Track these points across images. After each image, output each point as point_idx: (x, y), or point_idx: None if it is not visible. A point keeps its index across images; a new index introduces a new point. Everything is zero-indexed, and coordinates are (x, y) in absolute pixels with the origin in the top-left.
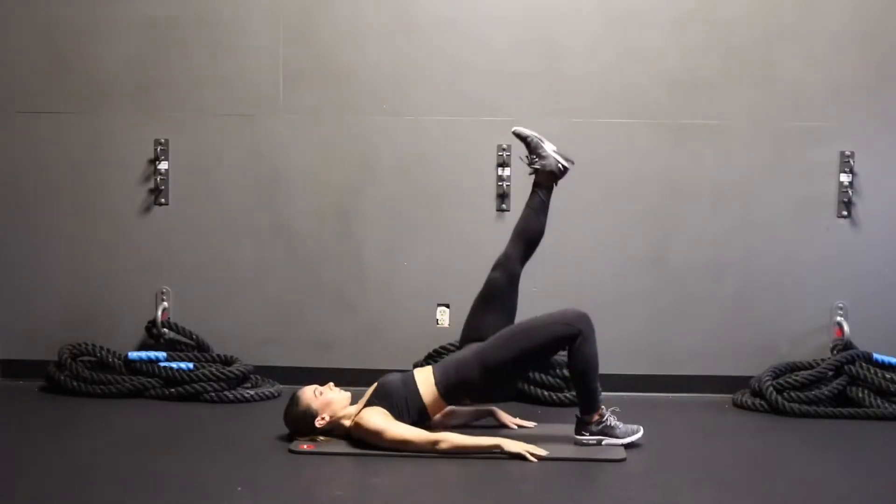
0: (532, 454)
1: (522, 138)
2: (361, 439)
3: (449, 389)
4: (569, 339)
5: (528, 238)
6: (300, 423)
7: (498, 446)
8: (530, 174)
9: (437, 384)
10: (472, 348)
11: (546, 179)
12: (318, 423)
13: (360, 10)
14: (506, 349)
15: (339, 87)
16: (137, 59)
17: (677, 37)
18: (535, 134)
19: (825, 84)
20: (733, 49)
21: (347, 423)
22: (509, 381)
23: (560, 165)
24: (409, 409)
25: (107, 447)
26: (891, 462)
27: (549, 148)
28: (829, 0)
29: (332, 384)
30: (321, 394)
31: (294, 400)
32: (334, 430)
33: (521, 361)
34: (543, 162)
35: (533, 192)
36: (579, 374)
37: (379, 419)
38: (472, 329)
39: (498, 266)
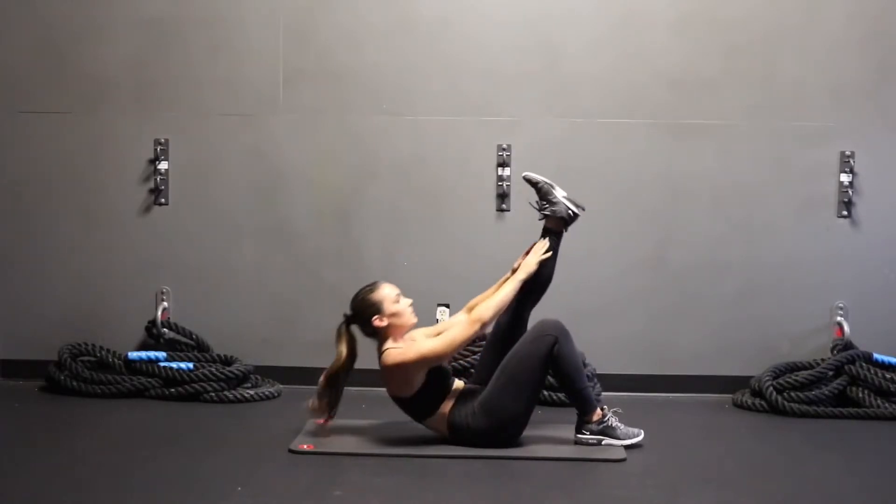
0: (541, 255)
1: (533, 184)
2: (398, 369)
3: (458, 429)
4: (551, 348)
5: (538, 282)
6: (363, 309)
7: (523, 279)
8: (540, 219)
9: (449, 415)
10: (479, 398)
11: (556, 225)
12: (376, 321)
13: (360, 10)
14: (508, 397)
15: (339, 87)
16: (137, 59)
17: (677, 37)
18: (546, 179)
19: (825, 84)
20: (733, 49)
21: (388, 342)
22: (521, 416)
23: (570, 212)
24: (436, 389)
25: (107, 447)
26: (891, 462)
27: (559, 194)
28: (829, 0)
29: (412, 301)
30: (398, 302)
31: (373, 287)
32: (378, 336)
33: (526, 394)
34: (554, 208)
35: (543, 237)
36: (564, 376)
37: (416, 348)
38: (484, 372)
39: (507, 310)
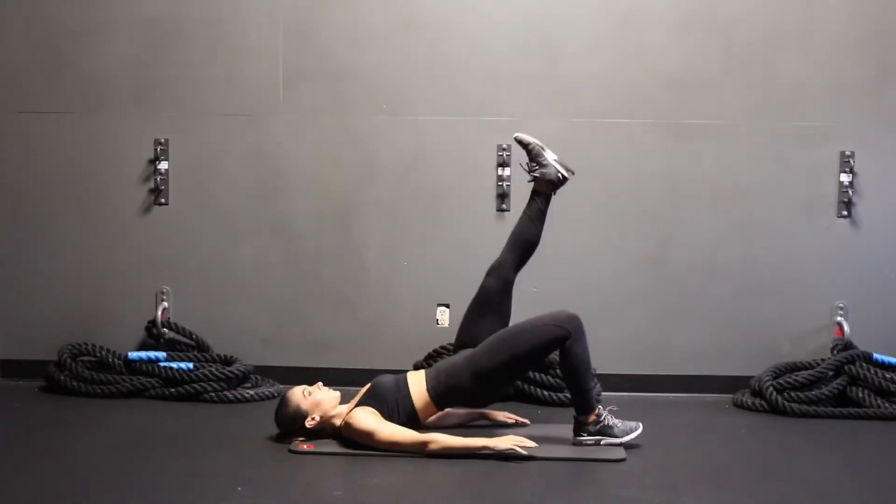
0: (521, 446)
1: (524, 145)
2: (351, 439)
3: (440, 395)
4: (559, 341)
5: (523, 245)
6: (291, 424)
7: (486, 447)
8: (529, 181)
9: (428, 389)
10: (464, 354)
11: (545, 188)
12: (309, 423)
13: (360, 10)
14: (496, 354)
15: (339, 87)
16: (137, 59)
17: (678, 37)
18: (538, 141)
19: (825, 84)
20: (733, 49)
21: (338, 422)
22: (501, 385)
23: (560, 175)
24: (400, 411)
25: (107, 447)
26: (891, 462)
27: (550, 156)
28: (829, 0)
29: (320, 384)
30: (310, 394)
31: (283, 401)
32: (325, 429)
33: (512, 366)
34: (544, 170)
35: (531, 199)
36: (571, 375)
37: (370, 419)
38: (466, 334)
39: (492, 271)
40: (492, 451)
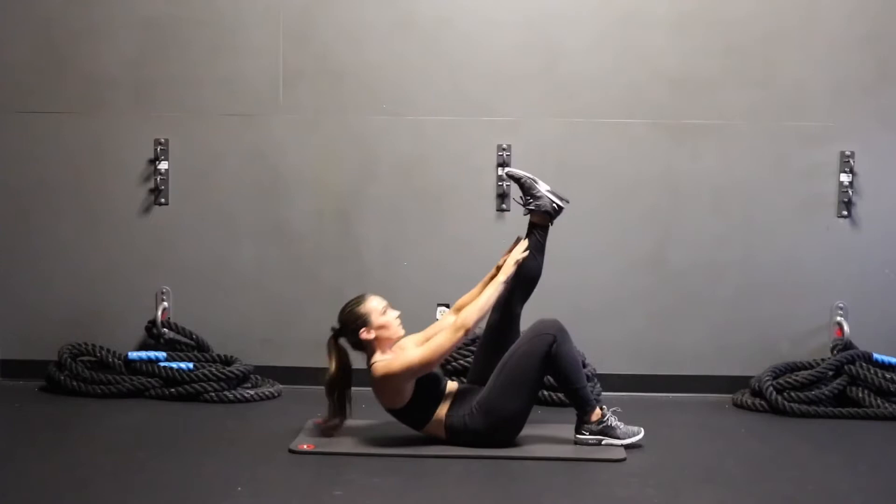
0: (518, 254)
1: (516, 179)
2: (387, 380)
3: (456, 431)
4: (549, 347)
5: (525, 278)
6: (351, 321)
7: (503, 281)
8: (525, 215)
9: (446, 418)
10: (477, 400)
11: (542, 219)
12: (363, 334)
13: (360, 10)
14: (507, 397)
15: (339, 87)
16: (137, 59)
17: (677, 37)
18: (529, 175)
19: (825, 84)
20: (733, 49)
21: (376, 355)
22: (521, 420)
23: (555, 205)
24: (429, 396)
25: (107, 447)
26: (891, 462)
27: (543, 188)
28: (829, 0)
29: (399, 314)
30: (385, 314)
31: (360, 299)
32: (366, 349)
33: (525, 394)
34: (538, 203)
35: (529, 232)
36: (563, 376)
37: (398, 360)
38: (479, 371)
39: (497, 308)
40: (512, 275)
